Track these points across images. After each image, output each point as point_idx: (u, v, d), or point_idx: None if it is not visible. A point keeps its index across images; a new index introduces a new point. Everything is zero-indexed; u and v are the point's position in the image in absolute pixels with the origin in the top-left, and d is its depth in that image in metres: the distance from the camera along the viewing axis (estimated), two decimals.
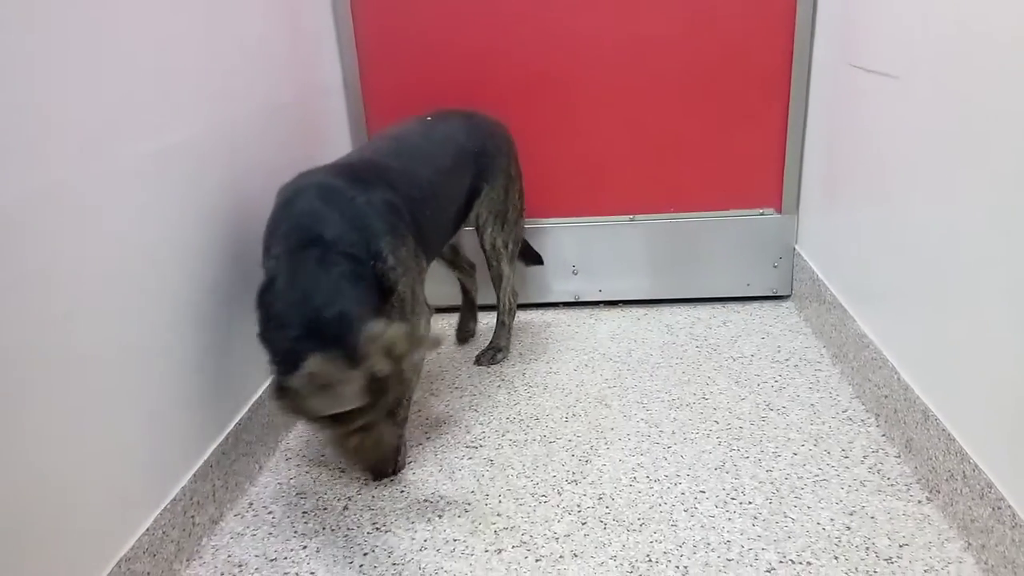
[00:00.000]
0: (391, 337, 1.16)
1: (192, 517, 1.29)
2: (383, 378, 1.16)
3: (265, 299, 1.23)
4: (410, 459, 1.53)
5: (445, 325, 2.12)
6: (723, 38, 1.95)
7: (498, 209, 1.78)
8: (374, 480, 1.45)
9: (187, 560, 1.28)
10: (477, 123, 1.73)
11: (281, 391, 1.15)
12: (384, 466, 1.43)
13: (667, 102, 2.01)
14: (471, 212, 1.75)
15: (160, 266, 1.24)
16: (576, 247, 2.13)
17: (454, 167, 1.62)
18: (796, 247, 2.12)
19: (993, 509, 1.13)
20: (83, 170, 1.06)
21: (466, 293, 2.02)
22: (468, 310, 2.05)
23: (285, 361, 1.16)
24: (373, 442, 1.25)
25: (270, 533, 1.35)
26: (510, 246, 1.84)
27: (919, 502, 1.33)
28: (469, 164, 1.67)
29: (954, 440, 1.25)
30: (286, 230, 1.27)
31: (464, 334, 2.05)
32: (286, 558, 1.28)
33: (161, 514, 1.21)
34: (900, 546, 1.23)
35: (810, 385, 1.73)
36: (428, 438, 1.61)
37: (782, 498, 1.36)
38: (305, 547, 1.31)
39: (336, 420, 1.18)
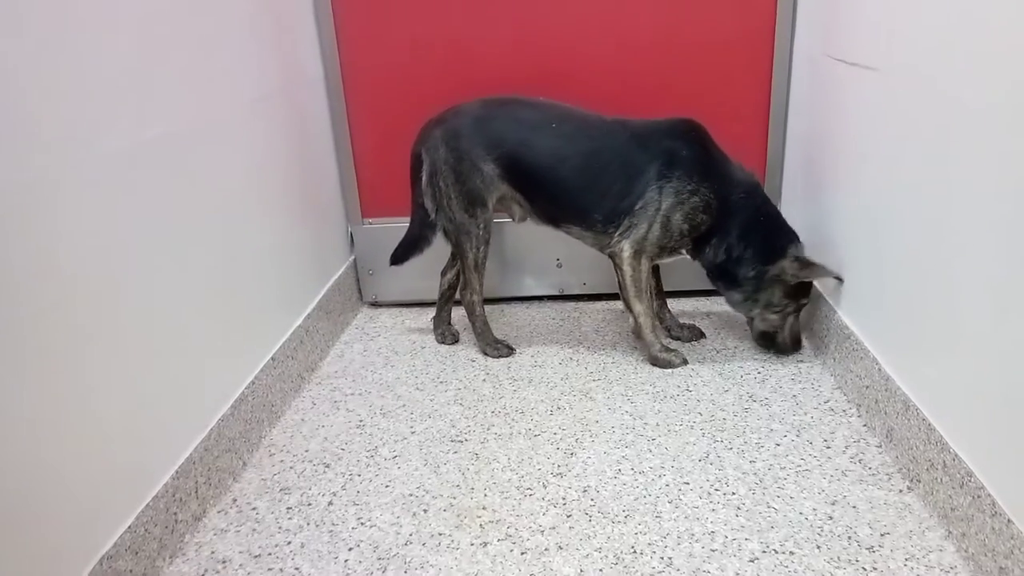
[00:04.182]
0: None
1: (175, 514, 1.28)
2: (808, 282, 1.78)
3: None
4: (395, 453, 1.53)
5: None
6: (705, 31, 1.95)
7: None
8: (789, 354, 1.84)
9: (170, 557, 1.27)
10: None
11: (797, 260, 1.73)
12: (796, 346, 1.85)
13: (650, 95, 2.01)
14: None
15: (138, 263, 1.22)
16: (560, 240, 2.12)
17: None
18: None
19: (973, 498, 1.15)
20: (62, 165, 1.05)
21: None
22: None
23: (778, 254, 1.73)
24: (795, 325, 1.82)
25: (254, 529, 1.34)
26: None
27: (900, 491, 1.34)
28: None
29: (934, 430, 1.27)
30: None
31: None
32: (270, 554, 1.28)
33: (143, 511, 1.20)
34: (881, 535, 1.24)
35: (792, 376, 1.74)
36: (413, 432, 1.60)
37: (765, 488, 1.37)
38: (289, 543, 1.30)
39: (796, 297, 1.77)
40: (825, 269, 1.71)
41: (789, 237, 1.75)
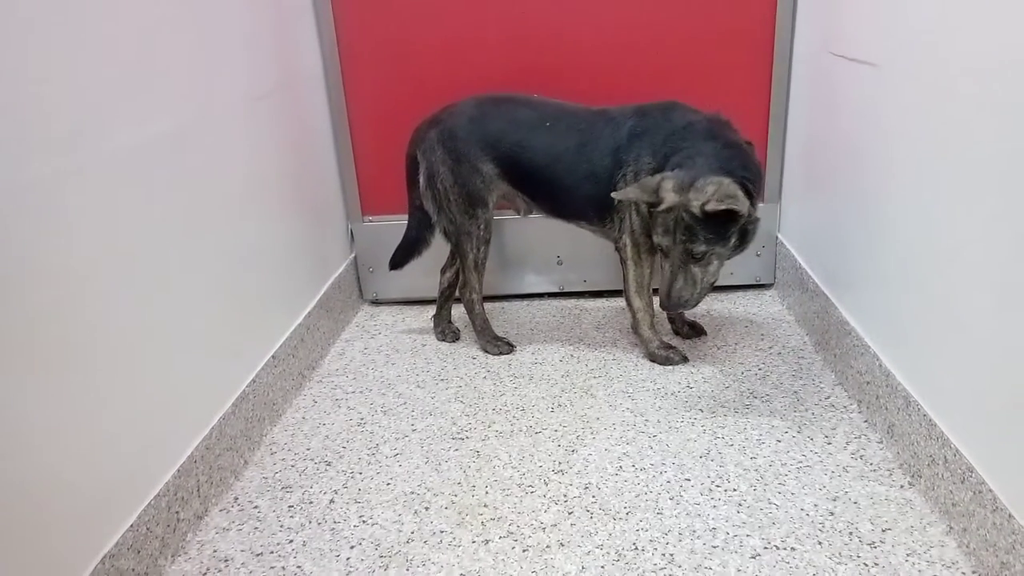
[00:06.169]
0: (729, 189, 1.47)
1: (176, 512, 1.28)
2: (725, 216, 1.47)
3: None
4: (396, 451, 1.53)
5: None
6: (705, 26, 1.94)
7: None
8: (667, 310, 1.63)
9: (172, 556, 1.27)
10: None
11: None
12: (685, 304, 1.59)
13: (648, 93, 2.00)
14: None
15: (140, 262, 1.22)
16: (561, 237, 2.13)
17: None
18: (779, 236, 2.13)
19: (974, 493, 1.15)
20: (65, 164, 1.04)
21: None
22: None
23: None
24: (694, 281, 1.56)
25: (256, 528, 1.34)
26: None
27: (901, 487, 1.34)
28: None
29: (935, 425, 1.27)
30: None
31: None
32: (272, 552, 1.28)
33: (145, 510, 1.20)
34: (883, 530, 1.24)
35: (793, 372, 1.74)
36: (414, 429, 1.60)
37: (766, 485, 1.37)
38: (291, 541, 1.30)
39: (688, 237, 1.51)
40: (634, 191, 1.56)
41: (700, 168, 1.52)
